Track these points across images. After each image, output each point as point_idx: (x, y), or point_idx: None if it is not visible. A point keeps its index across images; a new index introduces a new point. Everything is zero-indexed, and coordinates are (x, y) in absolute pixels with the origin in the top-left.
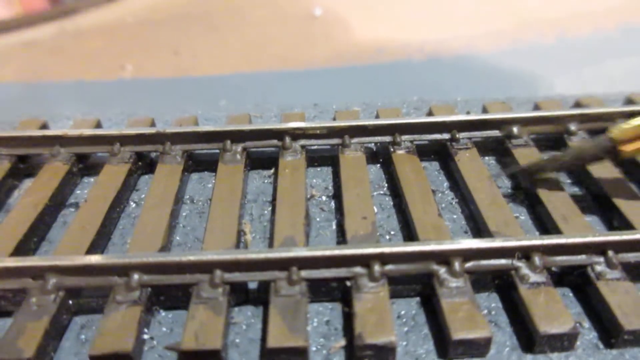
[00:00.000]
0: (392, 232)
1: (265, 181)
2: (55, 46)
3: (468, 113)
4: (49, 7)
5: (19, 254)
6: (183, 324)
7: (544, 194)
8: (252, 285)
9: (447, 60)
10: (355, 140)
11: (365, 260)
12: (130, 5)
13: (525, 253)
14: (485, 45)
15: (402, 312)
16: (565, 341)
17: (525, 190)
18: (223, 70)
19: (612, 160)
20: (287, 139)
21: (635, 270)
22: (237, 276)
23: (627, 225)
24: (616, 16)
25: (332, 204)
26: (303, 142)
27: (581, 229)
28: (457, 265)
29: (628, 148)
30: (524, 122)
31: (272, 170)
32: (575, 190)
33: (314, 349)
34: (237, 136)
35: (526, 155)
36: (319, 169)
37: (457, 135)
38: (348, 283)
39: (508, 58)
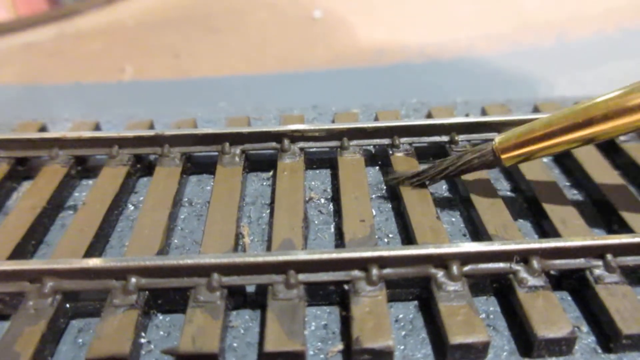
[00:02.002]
0: (391, 235)
1: (264, 184)
2: (55, 48)
3: (467, 115)
4: (48, 9)
5: (16, 256)
6: (180, 327)
7: (542, 197)
8: (250, 289)
9: (447, 63)
10: (354, 142)
11: (363, 264)
12: (130, 8)
13: (524, 256)
14: (485, 48)
15: (400, 316)
16: (563, 345)
17: (525, 194)
18: (223, 72)
19: (495, 167)
20: (286, 142)
21: (634, 274)
22: (234, 280)
23: (627, 229)
24: (616, 18)
25: (331, 206)
26: (302, 144)
27: (580, 232)
28: (455, 268)
29: (509, 156)
30: (522, 124)
31: (271, 173)
32: (574, 193)
33: (311, 353)
34: (236, 138)
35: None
36: (317, 171)
37: (456, 138)
38: (346, 287)
39: (508, 60)
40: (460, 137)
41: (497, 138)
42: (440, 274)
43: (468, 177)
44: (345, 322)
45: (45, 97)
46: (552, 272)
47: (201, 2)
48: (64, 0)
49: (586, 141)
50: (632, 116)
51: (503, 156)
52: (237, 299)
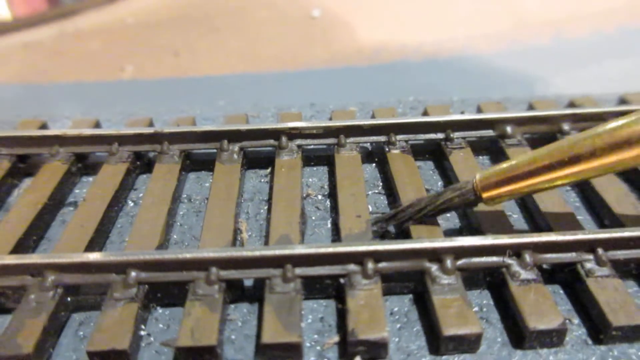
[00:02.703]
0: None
1: (262, 180)
2: (55, 47)
3: (462, 113)
4: (48, 8)
5: (18, 251)
6: (179, 320)
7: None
8: (248, 283)
9: (444, 61)
10: (350, 139)
11: (359, 258)
12: (130, 7)
13: (516, 250)
14: (482, 46)
15: (395, 309)
16: (554, 337)
17: None
18: (222, 71)
19: (476, 205)
20: (284, 139)
21: (624, 267)
22: (232, 273)
23: (617, 224)
24: (613, 17)
25: (328, 202)
26: (299, 141)
27: (571, 227)
28: (449, 262)
29: (491, 195)
30: (517, 121)
31: (269, 170)
32: (567, 188)
33: (307, 344)
34: (234, 136)
35: (519, 154)
36: (314, 168)
37: (452, 135)
38: (342, 280)
39: (505, 58)
40: (456, 134)
41: (478, 175)
42: (434, 267)
43: (463, 172)
44: (341, 315)
45: (46, 96)
46: (544, 265)
47: (200, 1)
48: (64, 0)
49: (574, 179)
50: (620, 154)
51: (484, 195)
52: (235, 292)
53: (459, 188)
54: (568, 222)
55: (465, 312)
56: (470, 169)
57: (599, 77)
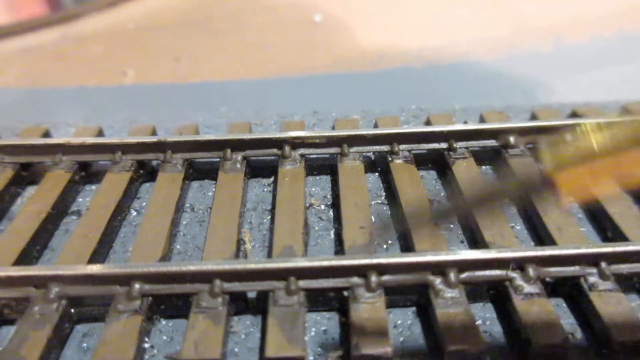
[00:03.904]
0: (389, 242)
1: (265, 190)
2: (57, 52)
3: (465, 122)
4: (50, 12)
5: (21, 262)
6: (183, 332)
7: (538, 204)
8: (251, 295)
9: (445, 67)
10: (353, 149)
11: (362, 271)
12: (131, 12)
13: (520, 264)
14: (483, 52)
15: (399, 322)
16: (557, 352)
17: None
18: (223, 77)
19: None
20: (287, 148)
21: (628, 281)
22: (236, 286)
23: (621, 237)
24: (614, 23)
25: (331, 213)
26: (302, 151)
27: (575, 240)
28: (452, 275)
29: (569, 181)
30: (520, 131)
31: (272, 179)
32: (570, 200)
33: (311, 358)
34: (238, 145)
35: (522, 164)
36: (317, 177)
37: (455, 145)
38: (345, 293)
39: (506, 65)
40: (459, 144)
41: (546, 153)
42: (438, 281)
43: (466, 185)
44: (345, 328)
45: (48, 100)
46: (547, 279)
47: (202, 5)
48: (66, 4)
49: None
50: None
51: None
52: (239, 304)
53: (517, 174)
54: (571, 234)
55: (469, 326)
56: (474, 179)
57: (600, 83)
